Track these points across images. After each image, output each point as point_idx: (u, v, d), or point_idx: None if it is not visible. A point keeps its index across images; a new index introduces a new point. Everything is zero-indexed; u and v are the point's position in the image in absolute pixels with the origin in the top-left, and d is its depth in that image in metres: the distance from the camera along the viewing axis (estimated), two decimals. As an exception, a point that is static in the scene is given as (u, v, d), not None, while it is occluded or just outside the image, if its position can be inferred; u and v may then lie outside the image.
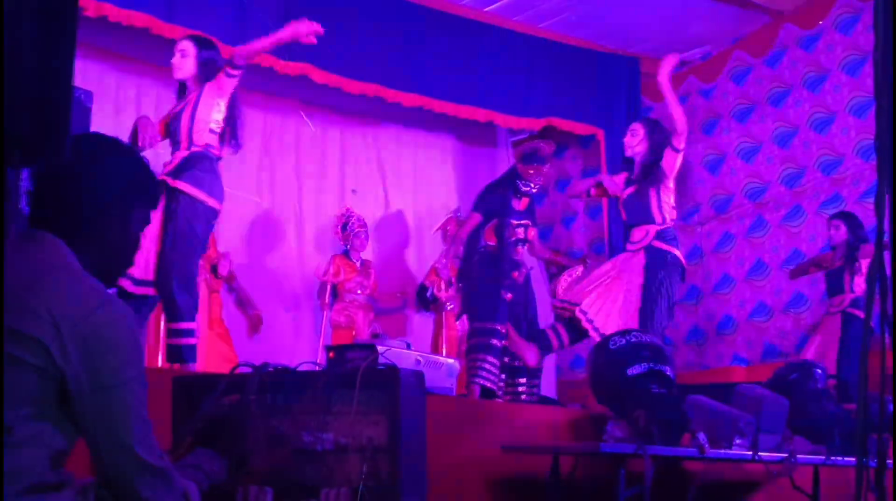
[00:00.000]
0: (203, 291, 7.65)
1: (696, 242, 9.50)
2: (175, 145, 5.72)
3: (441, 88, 8.63)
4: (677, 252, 6.40)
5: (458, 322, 8.66)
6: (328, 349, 4.48)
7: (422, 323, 9.31)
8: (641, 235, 6.45)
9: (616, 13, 8.93)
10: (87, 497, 2.10)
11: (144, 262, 5.46)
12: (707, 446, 4.47)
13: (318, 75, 8.09)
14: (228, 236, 8.71)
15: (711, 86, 9.64)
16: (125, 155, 2.33)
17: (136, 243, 2.32)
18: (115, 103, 8.50)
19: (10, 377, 1.96)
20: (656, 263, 6.31)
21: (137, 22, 7.20)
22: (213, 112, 5.72)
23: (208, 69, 5.75)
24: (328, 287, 8.65)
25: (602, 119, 9.47)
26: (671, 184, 6.54)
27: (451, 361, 4.78)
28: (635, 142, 6.65)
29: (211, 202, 5.59)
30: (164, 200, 5.48)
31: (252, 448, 3.09)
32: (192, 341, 5.62)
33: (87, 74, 8.30)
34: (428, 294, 8.78)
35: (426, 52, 8.57)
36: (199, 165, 5.62)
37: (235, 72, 5.74)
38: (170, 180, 5.55)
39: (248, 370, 3.24)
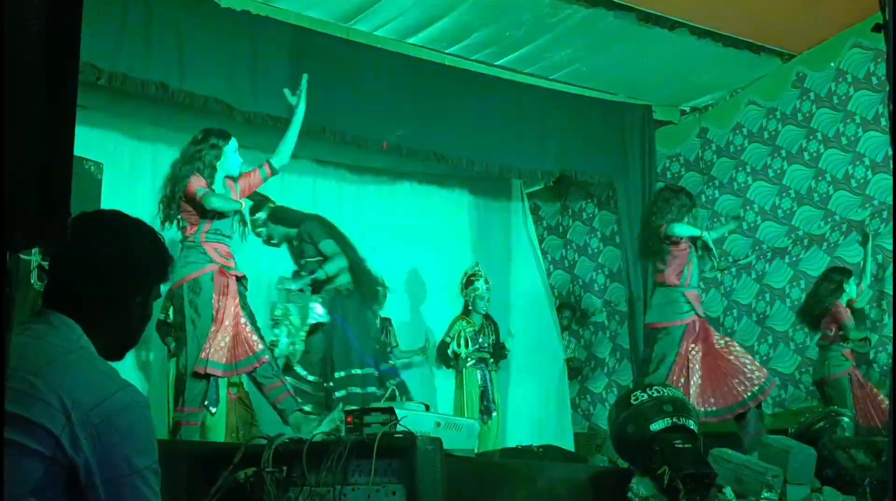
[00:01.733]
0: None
1: (720, 290, 9.43)
2: (226, 237, 6.07)
3: (454, 143, 8.63)
4: None
5: (479, 379, 8.65)
6: (346, 413, 4.43)
7: (444, 380, 9.24)
8: None
9: (627, 62, 8.92)
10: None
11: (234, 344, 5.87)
12: None
13: (332, 134, 8.09)
14: (255, 301, 8.70)
15: (726, 131, 9.60)
16: (146, 234, 2.29)
17: (150, 318, 2.30)
18: (130, 172, 8.50)
19: (17, 465, 1.90)
20: None
21: (150, 89, 7.22)
22: None
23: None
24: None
25: (616, 168, 9.45)
26: None
27: (470, 421, 4.72)
28: None
29: None
30: (233, 285, 5.96)
31: (268, 523, 3.04)
32: None
33: (104, 143, 8.35)
34: (449, 351, 8.72)
35: (439, 107, 8.58)
36: None
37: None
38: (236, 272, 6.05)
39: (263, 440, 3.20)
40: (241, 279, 6.11)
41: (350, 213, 9.62)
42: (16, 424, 1.90)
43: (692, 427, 4.61)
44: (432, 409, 8.24)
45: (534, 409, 9.75)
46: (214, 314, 5.83)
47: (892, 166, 7.78)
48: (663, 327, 7.30)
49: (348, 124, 8.14)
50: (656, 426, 4.55)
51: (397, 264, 9.60)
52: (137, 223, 2.29)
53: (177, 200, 5.94)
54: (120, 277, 2.18)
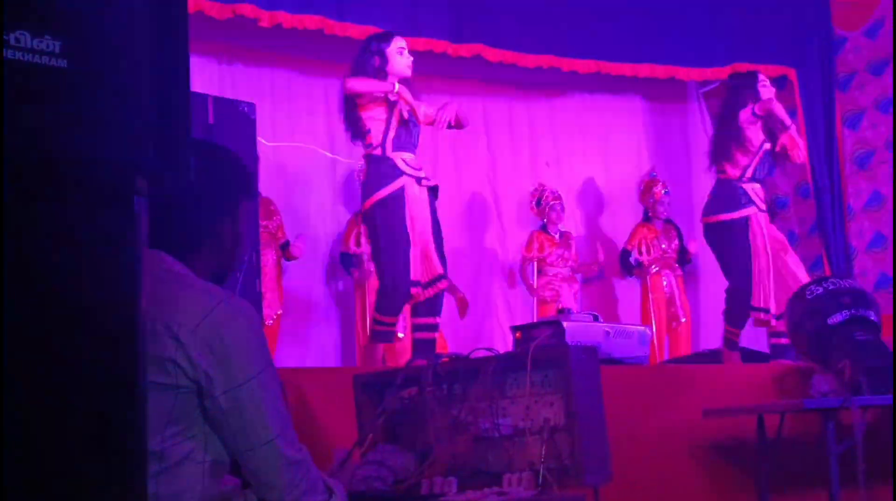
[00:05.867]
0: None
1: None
2: (412, 145, 5.84)
3: (616, 49, 8.45)
4: None
5: (664, 285, 8.56)
6: (514, 329, 4.49)
7: (628, 290, 9.18)
8: None
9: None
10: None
11: (423, 259, 5.64)
12: (922, 390, 4.22)
13: (492, 54, 8.06)
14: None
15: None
16: (225, 158, 2.29)
17: (243, 239, 2.28)
18: (307, 106, 8.68)
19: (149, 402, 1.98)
20: None
21: (310, 24, 7.33)
22: None
23: None
24: (533, 264, 8.64)
25: (792, 57, 9.06)
26: None
27: (642, 328, 4.70)
28: None
29: None
30: (429, 199, 5.74)
31: (433, 440, 3.11)
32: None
33: (275, 82, 8.55)
34: (631, 259, 8.67)
35: (598, 15, 8.40)
36: None
37: None
38: (424, 181, 5.80)
39: (423, 362, 3.27)
40: (432, 189, 5.83)
41: (521, 130, 9.60)
42: None
43: (873, 319, 4.47)
44: (613, 320, 8.28)
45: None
46: (410, 231, 5.51)
47: None
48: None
49: (507, 42, 8.08)
50: (834, 319, 4.43)
51: (571, 176, 9.54)
52: (213, 147, 2.30)
53: (353, 108, 5.70)
54: (202, 204, 2.17)
